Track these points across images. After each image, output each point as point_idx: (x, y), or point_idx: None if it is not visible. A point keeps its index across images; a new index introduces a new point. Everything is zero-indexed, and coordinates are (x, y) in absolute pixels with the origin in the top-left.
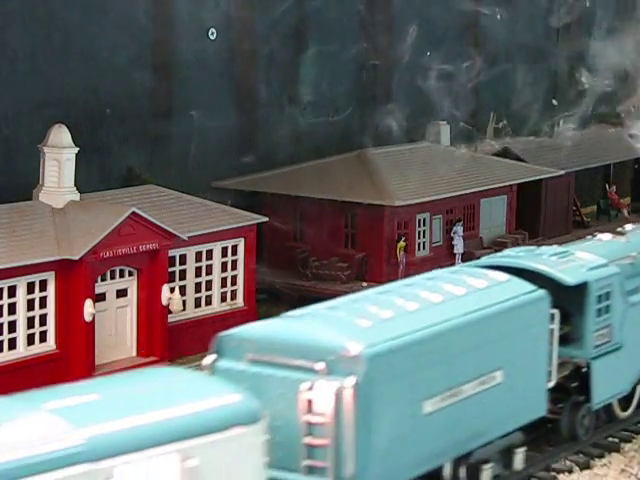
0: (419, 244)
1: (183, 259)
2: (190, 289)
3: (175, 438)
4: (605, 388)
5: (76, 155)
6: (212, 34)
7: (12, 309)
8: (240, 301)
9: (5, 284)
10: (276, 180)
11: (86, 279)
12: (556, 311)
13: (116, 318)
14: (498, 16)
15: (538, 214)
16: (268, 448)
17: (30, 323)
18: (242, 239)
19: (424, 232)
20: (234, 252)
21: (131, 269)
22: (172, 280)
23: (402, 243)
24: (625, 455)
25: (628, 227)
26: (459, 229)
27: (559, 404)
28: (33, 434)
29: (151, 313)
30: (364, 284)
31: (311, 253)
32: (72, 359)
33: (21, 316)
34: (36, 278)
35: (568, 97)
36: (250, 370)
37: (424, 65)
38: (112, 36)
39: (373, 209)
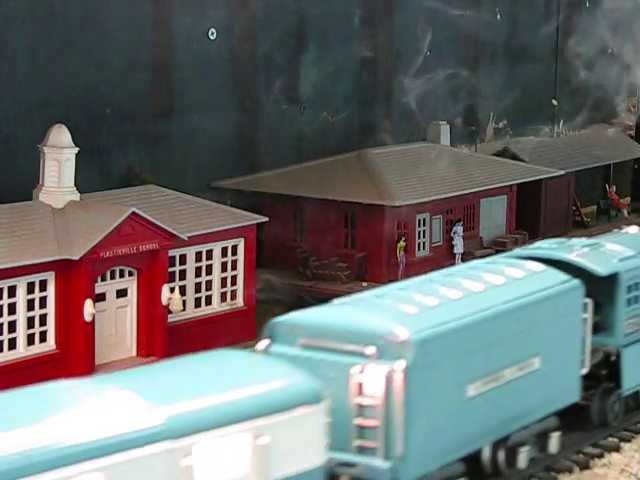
0: (419, 244)
1: (183, 259)
2: (190, 289)
3: (247, 417)
4: (635, 375)
5: (76, 155)
6: (212, 34)
7: (12, 309)
8: (240, 301)
9: (5, 284)
10: (276, 180)
11: (86, 279)
12: (589, 300)
13: (116, 318)
14: (498, 16)
15: (538, 214)
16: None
17: (30, 323)
18: (242, 239)
19: (424, 232)
20: (234, 252)
21: (131, 269)
22: (172, 280)
23: (402, 243)
24: (625, 455)
25: None
26: (459, 229)
27: (590, 391)
28: (116, 414)
29: (151, 313)
30: (364, 284)
31: (311, 253)
32: (72, 359)
33: (21, 316)
34: (36, 278)
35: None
36: (302, 355)
37: (424, 65)
38: (112, 36)
39: (373, 209)
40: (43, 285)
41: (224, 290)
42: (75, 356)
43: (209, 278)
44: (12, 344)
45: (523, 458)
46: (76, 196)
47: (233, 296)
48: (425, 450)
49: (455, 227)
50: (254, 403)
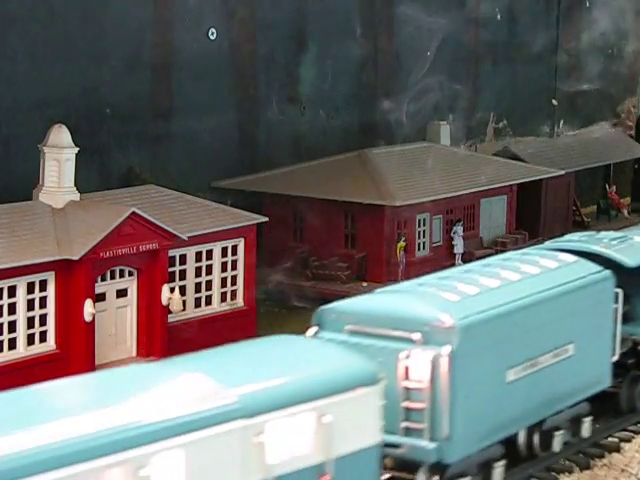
0: (419, 244)
1: (183, 259)
2: (190, 289)
3: (313, 397)
4: None
5: (76, 155)
6: (212, 34)
7: (12, 309)
8: (240, 301)
9: (5, 284)
10: (276, 180)
11: (86, 279)
12: (620, 290)
13: (116, 318)
14: (498, 16)
15: (538, 214)
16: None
17: (30, 323)
18: (242, 239)
19: (424, 232)
20: (234, 252)
21: (131, 269)
22: (172, 280)
23: (402, 243)
24: (625, 455)
25: None
26: (459, 229)
27: (618, 379)
28: (193, 394)
29: (151, 313)
30: (364, 284)
31: (311, 253)
32: (72, 359)
33: (21, 316)
34: (36, 278)
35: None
36: (350, 341)
37: (424, 65)
38: (112, 36)
39: (373, 209)
40: (43, 285)
41: (224, 290)
42: (75, 356)
43: (209, 278)
44: (12, 344)
45: (557, 442)
46: (76, 196)
47: (233, 296)
48: (468, 432)
49: (455, 227)
50: (318, 384)
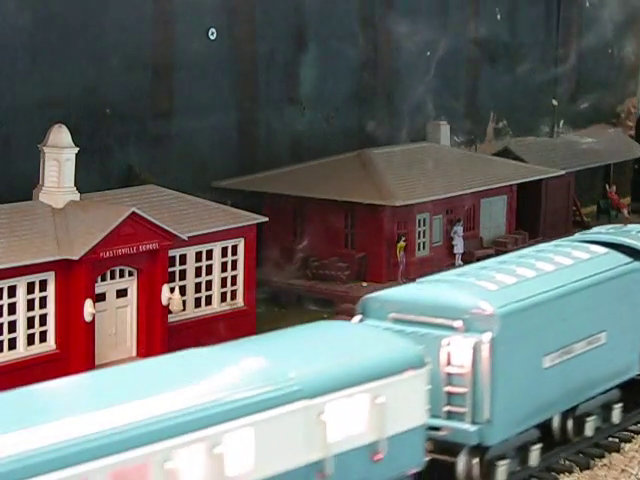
0: (419, 244)
1: (183, 259)
2: (190, 289)
3: (367, 379)
4: None
5: (76, 155)
6: (212, 34)
7: (12, 309)
8: (240, 301)
9: (5, 284)
10: (276, 180)
11: (86, 279)
12: None
13: (116, 318)
14: (498, 16)
15: (538, 214)
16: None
17: (30, 323)
18: (242, 239)
19: (424, 232)
20: (234, 252)
21: (131, 269)
22: (172, 280)
23: (402, 243)
24: (625, 455)
25: None
26: (459, 229)
27: None
28: (260, 376)
29: (151, 313)
30: (364, 284)
31: (311, 253)
32: (72, 359)
33: (21, 316)
34: (36, 278)
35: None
36: (394, 328)
37: (424, 65)
38: (112, 36)
39: (373, 209)
40: (43, 285)
41: (224, 290)
42: (75, 356)
43: (209, 278)
44: (12, 344)
45: (590, 427)
46: (76, 196)
47: (233, 296)
48: (508, 416)
49: (455, 227)
50: (372, 366)
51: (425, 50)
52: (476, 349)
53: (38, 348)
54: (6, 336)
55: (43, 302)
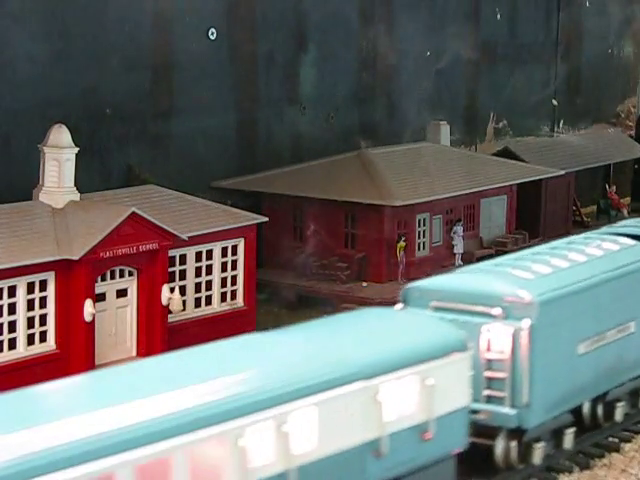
0: (419, 244)
1: (183, 259)
2: (190, 289)
3: (417, 361)
4: None
5: (76, 155)
6: (212, 34)
7: (12, 309)
8: (240, 301)
9: (5, 284)
10: (276, 180)
11: (86, 279)
12: None
13: (116, 318)
14: (498, 16)
15: (538, 214)
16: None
17: (30, 323)
18: (242, 239)
19: (424, 232)
20: (234, 252)
21: (131, 269)
22: (172, 280)
23: (402, 243)
24: (625, 455)
25: None
26: (459, 229)
27: None
28: (321, 359)
29: (151, 313)
30: (364, 284)
31: (311, 253)
32: (72, 359)
33: (21, 316)
34: (36, 278)
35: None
36: (435, 315)
37: (424, 65)
38: (112, 36)
39: (373, 209)
40: (43, 285)
41: (224, 290)
42: (75, 356)
43: (209, 278)
44: (12, 344)
45: (619, 413)
46: (76, 196)
47: (233, 296)
48: (545, 400)
49: (455, 227)
50: (421, 349)
51: (425, 50)
52: (515, 336)
53: (38, 348)
54: (6, 336)
55: (43, 302)
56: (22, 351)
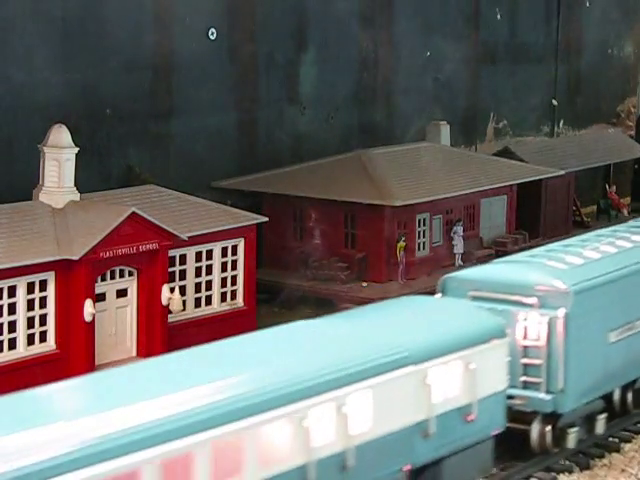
0: (419, 244)
1: (183, 259)
2: (190, 289)
3: (461, 347)
4: None
5: (76, 155)
6: (212, 34)
7: (12, 309)
8: (240, 301)
9: (5, 284)
10: (276, 180)
11: (86, 279)
12: None
13: (116, 318)
14: (498, 16)
15: (538, 214)
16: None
17: (30, 323)
18: (242, 239)
19: (424, 232)
20: (234, 252)
21: (131, 269)
22: (172, 280)
23: (402, 243)
24: (625, 455)
25: None
26: (459, 229)
27: None
28: (374, 345)
29: (151, 313)
30: (364, 284)
31: (311, 253)
32: (72, 359)
33: (21, 316)
34: (36, 278)
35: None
36: (472, 305)
37: (424, 65)
38: (112, 36)
39: (373, 209)
40: (43, 285)
41: (224, 290)
42: (75, 356)
43: (209, 278)
44: (12, 344)
45: None
46: (76, 196)
47: (233, 296)
48: (579, 386)
49: (455, 227)
50: (465, 335)
51: (425, 50)
52: (551, 324)
53: (38, 348)
54: (6, 336)
55: (43, 302)
56: (22, 351)
